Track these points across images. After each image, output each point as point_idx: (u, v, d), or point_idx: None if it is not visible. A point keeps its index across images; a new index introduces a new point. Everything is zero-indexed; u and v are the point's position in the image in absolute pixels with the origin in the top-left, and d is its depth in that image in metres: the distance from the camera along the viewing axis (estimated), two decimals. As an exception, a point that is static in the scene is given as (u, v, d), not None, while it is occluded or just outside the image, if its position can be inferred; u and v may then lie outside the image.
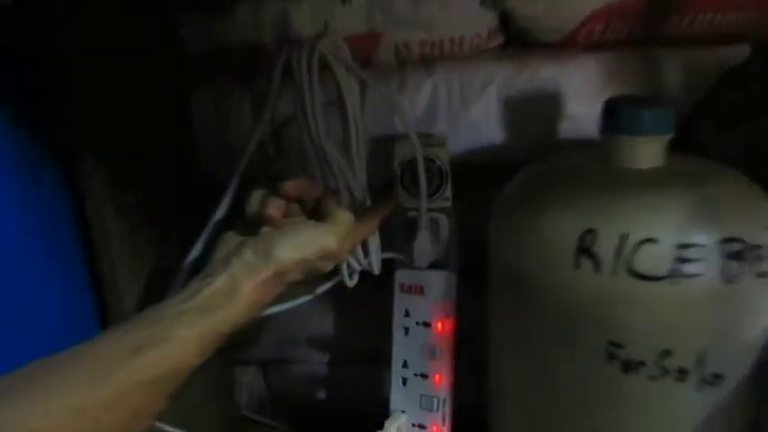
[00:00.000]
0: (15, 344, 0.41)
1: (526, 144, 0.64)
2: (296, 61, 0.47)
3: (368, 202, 0.52)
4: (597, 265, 0.42)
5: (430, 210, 0.55)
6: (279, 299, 0.49)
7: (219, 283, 0.41)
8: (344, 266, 0.50)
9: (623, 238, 0.41)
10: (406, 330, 0.56)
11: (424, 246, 0.53)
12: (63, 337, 0.45)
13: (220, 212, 0.49)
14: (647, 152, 0.46)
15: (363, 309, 0.72)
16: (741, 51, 0.62)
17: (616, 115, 0.46)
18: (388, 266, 0.57)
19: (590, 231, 0.42)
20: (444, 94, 0.64)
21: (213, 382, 0.63)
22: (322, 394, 0.77)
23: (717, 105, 0.58)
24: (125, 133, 0.48)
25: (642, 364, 0.42)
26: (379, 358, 0.72)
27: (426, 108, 0.64)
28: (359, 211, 0.50)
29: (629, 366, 0.42)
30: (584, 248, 0.42)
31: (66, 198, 0.45)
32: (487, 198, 0.65)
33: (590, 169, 0.48)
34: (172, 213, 0.54)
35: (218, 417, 0.65)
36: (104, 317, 0.48)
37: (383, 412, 0.62)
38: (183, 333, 0.37)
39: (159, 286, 0.45)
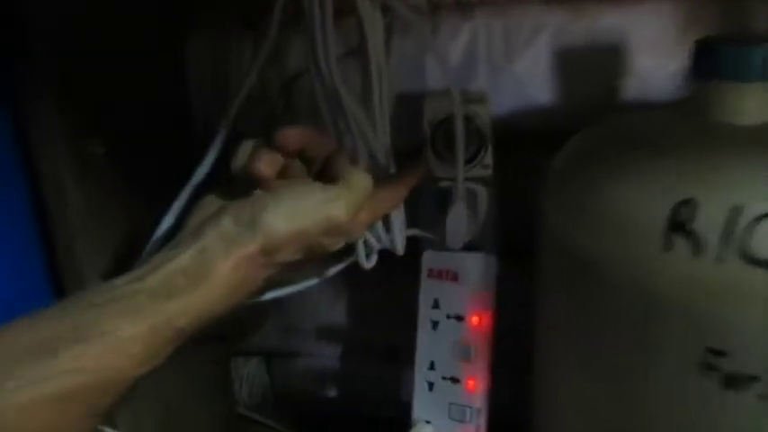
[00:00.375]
0: None
1: (582, 106, 0.54)
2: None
3: (392, 168, 0.41)
4: (697, 246, 0.31)
5: (467, 179, 0.45)
6: (276, 283, 0.39)
7: (186, 258, 0.30)
8: (361, 244, 0.40)
9: (735, 213, 0.31)
10: (435, 325, 0.46)
11: (459, 222, 0.43)
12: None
13: (202, 171, 0.39)
14: (758, 103, 0.35)
15: (382, 296, 0.64)
16: None
17: (715, 57, 0.35)
18: (414, 246, 0.47)
19: (686, 203, 0.32)
20: (484, 44, 0.55)
21: (205, 375, 0.54)
22: (332, 392, 0.68)
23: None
24: (91, 62, 0.38)
25: (753, 379, 0.32)
26: (398, 354, 0.64)
27: (462, 60, 0.54)
28: (381, 178, 0.39)
29: (734, 381, 0.32)
30: (679, 225, 0.32)
31: (9, 146, 0.35)
32: (533, 168, 0.55)
33: (677, 127, 0.37)
34: (156, 176, 0.44)
35: (210, 417, 0.56)
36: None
37: (401, 415, 0.53)
38: (123, 327, 0.27)
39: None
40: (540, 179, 0.54)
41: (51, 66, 0.34)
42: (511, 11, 0.54)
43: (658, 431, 0.35)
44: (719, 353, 0.32)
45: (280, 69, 0.58)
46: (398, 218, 0.41)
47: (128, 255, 0.39)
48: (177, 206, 0.37)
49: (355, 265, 0.46)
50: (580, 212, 0.37)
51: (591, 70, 0.53)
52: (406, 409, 0.52)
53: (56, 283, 0.37)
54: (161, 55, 0.48)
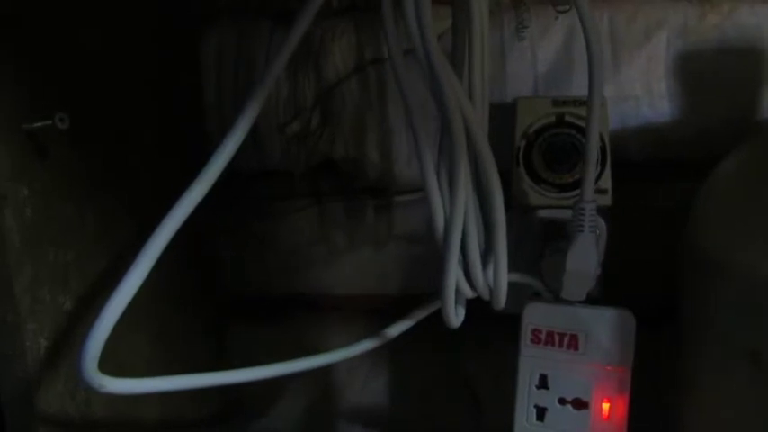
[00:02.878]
0: None
1: (710, 124, 0.41)
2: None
3: (495, 176, 0.28)
4: None
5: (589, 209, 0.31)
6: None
7: None
8: (451, 289, 0.27)
9: None
10: (541, 413, 0.31)
11: (584, 264, 0.30)
12: None
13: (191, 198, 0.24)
14: None
15: (433, 370, 0.49)
16: None
17: None
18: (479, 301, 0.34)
19: None
20: (583, 45, 0.42)
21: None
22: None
23: None
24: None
25: None
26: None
27: (553, 64, 0.42)
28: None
29: None
30: None
31: None
32: (648, 204, 0.43)
33: None
34: (150, 189, 0.31)
35: None
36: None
37: None
38: None
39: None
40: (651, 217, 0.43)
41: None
42: (619, 3, 0.42)
43: None
44: None
45: (315, 77, 0.46)
46: (503, 253, 0.28)
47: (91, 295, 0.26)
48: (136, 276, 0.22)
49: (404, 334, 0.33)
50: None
51: (723, 79, 0.41)
52: None
53: None
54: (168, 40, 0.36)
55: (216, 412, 0.46)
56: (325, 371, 0.51)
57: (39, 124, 0.22)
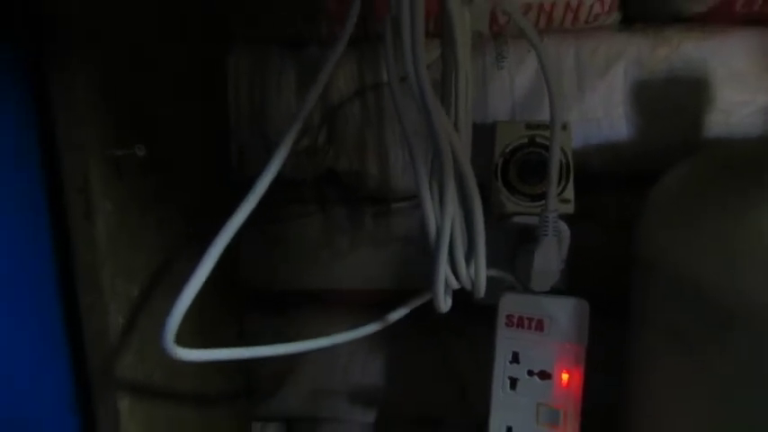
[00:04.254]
0: None
1: (660, 143, 0.48)
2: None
3: (475, 199, 0.35)
4: None
5: (553, 214, 0.39)
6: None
7: None
8: (441, 282, 0.34)
9: None
10: (513, 383, 0.38)
11: (548, 261, 0.37)
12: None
13: (248, 207, 0.32)
14: None
15: (422, 355, 0.56)
16: None
17: None
18: (461, 298, 0.41)
19: None
20: (556, 71, 0.49)
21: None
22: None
23: None
24: (127, 71, 0.33)
25: None
26: (440, 426, 0.56)
27: (528, 90, 0.49)
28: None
29: None
30: None
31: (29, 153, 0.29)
32: (606, 211, 0.49)
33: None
34: (199, 200, 0.38)
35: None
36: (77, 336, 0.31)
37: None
38: None
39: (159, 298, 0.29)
40: (608, 223, 0.49)
41: (86, 71, 0.28)
42: (584, 38, 0.49)
43: None
44: None
45: (321, 99, 0.52)
46: (482, 252, 0.35)
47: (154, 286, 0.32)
48: (205, 267, 0.29)
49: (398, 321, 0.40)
50: (700, 244, 0.32)
51: (671, 104, 0.48)
52: None
53: (74, 312, 0.30)
54: (199, 68, 0.42)
55: (238, 389, 0.52)
56: (329, 356, 0.57)
57: (123, 152, 0.29)
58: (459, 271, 0.35)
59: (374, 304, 0.50)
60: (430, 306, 0.39)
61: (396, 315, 0.39)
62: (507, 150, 0.44)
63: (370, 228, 0.54)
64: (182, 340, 0.29)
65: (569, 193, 0.42)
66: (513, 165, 0.43)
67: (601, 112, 0.49)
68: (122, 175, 0.29)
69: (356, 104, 0.51)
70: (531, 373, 0.38)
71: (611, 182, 0.51)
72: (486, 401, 0.41)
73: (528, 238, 0.40)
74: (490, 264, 0.36)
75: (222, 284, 0.46)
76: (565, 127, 0.43)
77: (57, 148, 0.27)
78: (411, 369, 0.57)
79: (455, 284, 0.35)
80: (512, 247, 0.42)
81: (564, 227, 0.40)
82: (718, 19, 0.48)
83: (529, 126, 0.44)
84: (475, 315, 0.46)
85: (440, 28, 0.37)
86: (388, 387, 0.57)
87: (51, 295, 0.30)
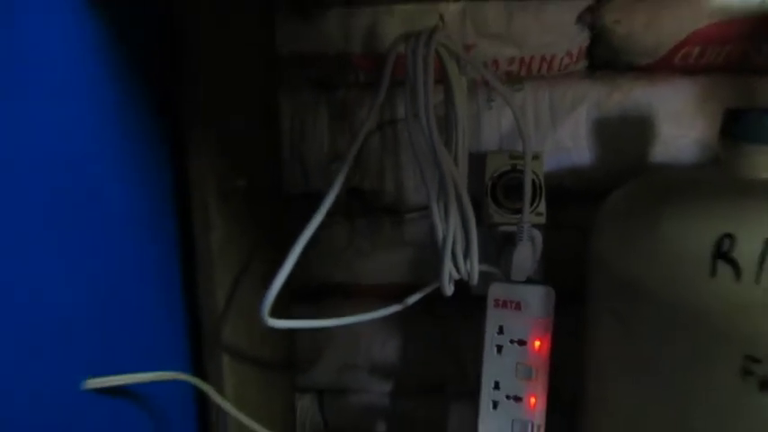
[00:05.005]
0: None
1: (615, 167, 0.62)
2: (411, 52, 0.45)
3: (469, 211, 0.49)
4: (737, 271, 0.39)
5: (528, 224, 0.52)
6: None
7: None
8: (446, 273, 0.47)
9: (766, 244, 0.38)
10: (499, 349, 0.52)
11: (524, 259, 0.50)
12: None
13: (316, 221, 0.46)
14: None
15: (430, 336, 0.69)
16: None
17: (744, 124, 0.44)
18: (461, 290, 0.54)
19: (728, 236, 0.39)
20: (532, 111, 0.63)
21: (273, 407, 0.59)
22: (382, 427, 0.72)
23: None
24: (231, 123, 0.46)
25: (787, 381, 0.38)
26: (445, 392, 0.69)
27: (512, 127, 0.62)
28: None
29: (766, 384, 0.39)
30: (722, 254, 0.39)
31: (169, 184, 0.43)
32: (572, 220, 0.63)
33: (712, 180, 0.46)
34: (269, 213, 0.52)
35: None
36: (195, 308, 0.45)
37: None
38: None
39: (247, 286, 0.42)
40: (577, 229, 0.62)
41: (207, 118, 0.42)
42: (555, 85, 0.63)
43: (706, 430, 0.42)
44: (757, 360, 0.39)
45: (349, 132, 0.66)
46: (475, 252, 0.48)
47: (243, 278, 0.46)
48: (292, 258, 0.43)
49: (411, 307, 0.54)
50: (636, 246, 0.45)
51: (623, 137, 0.62)
52: None
53: (193, 296, 0.44)
54: (268, 114, 0.56)
55: (286, 363, 0.65)
56: (354, 337, 0.70)
57: (231, 185, 0.42)
58: (459, 265, 0.48)
59: (390, 296, 0.64)
60: (435, 296, 0.53)
61: (412, 299, 0.53)
62: (495, 175, 0.57)
63: (387, 233, 0.68)
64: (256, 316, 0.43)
65: (542, 207, 0.56)
66: (499, 186, 0.56)
67: (570, 143, 0.62)
68: (228, 200, 0.43)
69: (377, 137, 0.64)
70: (512, 341, 0.52)
71: (578, 197, 0.64)
72: (479, 365, 0.55)
73: (510, 242, 0.53)
74: (482, 260, 0.50)
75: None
76: (537, 157, 0.56)
77: (188, 182, 0.41)
78: (420, 347, 0.70)
79: (456, 275, 0.49)
80: (498, 248, 0.55)
81: (537, 234, 0.53)
82: (661, 70, 0.62)
83: (512, 156, 0.57)
84: (470, 303, 0.59)
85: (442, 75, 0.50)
86: (402, 362, 0.71)
87: (177, 283, 0.44)
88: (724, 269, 0.39)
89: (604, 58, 0.63)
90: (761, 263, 0.38)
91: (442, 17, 0.56)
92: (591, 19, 0.60)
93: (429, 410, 0.71)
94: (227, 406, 0.44)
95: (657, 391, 0.44)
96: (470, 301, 0.57)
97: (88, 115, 0.36)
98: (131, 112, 0.40)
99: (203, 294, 0.43)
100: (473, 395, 0.57)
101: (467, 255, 0.48)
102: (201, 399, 0.47)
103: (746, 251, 0.39)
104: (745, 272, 0.39)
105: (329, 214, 0.67)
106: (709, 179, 0.46)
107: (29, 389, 0.32)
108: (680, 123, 0.61)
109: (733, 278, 0.39)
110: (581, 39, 0.61)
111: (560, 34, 0.61)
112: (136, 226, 0.40)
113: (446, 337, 0.70)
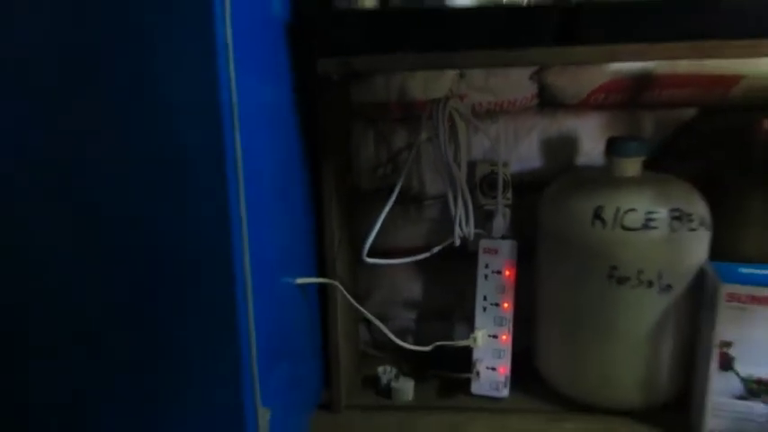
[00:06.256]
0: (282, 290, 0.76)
1: (555, 168, 1.00)
2: (436, 110, 0.84)
3: (468, 198, 0.87)
4: (603, 224, 0.78)
5: (501, 205, 0.91)
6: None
7: None
8: (457, 232, 0.86)
9: (618, 210, 0.77)
10: (486, 276, 0.91)
11: (499, 225, 0.89)
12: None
13: (387, 207, 0.84)
14: (632, 166, 0.82)
15: (441, 280, 1.07)
16: (691, 112, 0.99)
17: (616, 145, 0.83)
18: (461, 249, 0.93)
19: (600, 206, 0.78)
20: (503, 134, 1.01)
21: (349, 324, 0.97)
22: (409, 341, 1.10)
23: (675, 144, 0.95)
24: (339, 146, 0.85)
25: (628, 278, 0.77)
26: (452, 317, 1.08)
27: (492, 143, 1.01)
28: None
29: (621, 281, 0.78)
30: (597, 215, 0.78)
31: (313, 182, 0.82)
32: (529, 200, 1.01)
33: (600, 176, 0.84)
34: (346, 202, 0.90)
35: (351, 348, 1.00)
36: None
37: (454, 351, 0.96)
38: None
39: (344, 238, 0.81)
40: (533, 205, 1.01)
41: (330, 144, 0.81)
42: (518, 116, 1.01)
43: (590, 309, 0.81)
44: (614, 268, 0.78)
45: (387, 148, 1.04)
46: (471, 221, 0.87)
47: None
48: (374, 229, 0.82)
49: (427, 261, 0.93)
50: (558, 211, 0.84)
51: (560, 150, 1.00)
52: (457, 349, 0.95)
53: (320, 259, 0.83)
54: (345, 141, 0.94)
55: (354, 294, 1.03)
56: (391, 281, 1.08)
57: (344, 182, 0.81)
58: (462, 229, 0.87)
59: (415, 254, 1.01)
60: (446, 253, 0.91)
61: (434, 250, 0.91)
62: (481, 176, 0.95)
63: (413, 213, 1.06)
64: (348, 261, 0.82)
65: (509, 194, 0.94)
66: (484, 182, 0.94)
67: (527, 155, 1.00)
68: (339, 190, 0.81)
69: (407, 151, 1.03)
70: (493, 272, 0.90)
71: (531, 188, 1.02)
72: (472, 299, 0.94)
73: (491, 215, 0.92)
74: (475, 226, 0.89)
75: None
76: (506, 164, 0.94)
77: (321, 180, 0.79)
78: (436, 288, 1.08)
79: (461, 234, 0.87)
80: (484, 219, 0.93)
81: (507, 211, 0.92)
82: (582, 107, 1.00)
83: (491, 164, 0.96)
84: (467, 259, 0.97)
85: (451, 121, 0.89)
86: (424, 298, 1.08)
87: (313, 234, 0.83)
88: (597, 223, 0.78)
89: (548, 100, 1.01)
90: (614, 219, 0.77)
91: (451, 90, 0.93)
92: (538, 77, 0.98)
93: (441, 329, 1.08)
94: (347, 295, 0.83)
95: (566, 290, 0.83)
96: (467, 259, 0.95)
97: (286, 143, 0.74)
98: (301, 145, 0.78)
99: (328, 244, 0.82)
100: (469, 319, 0.96)
101: (467, 223, 0.87)
102: (323, 294, 0.87)
103: (609, 213, 0.78)
104: (608, 224, 0.77)
105: (374, 203, 1.06)
106: (598, 176, 0.85)
107: (286, 282, 0.72)
108: (593, 141, 0.99)
109: (602, 227, 0.78)
110: (533, 88, 0.99)
111: (519, 86, 0.98)
112: (303, 201, 0.80)
113: (453, 282, 1.08)
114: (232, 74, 0.54)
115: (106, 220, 0.56)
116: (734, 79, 0.92)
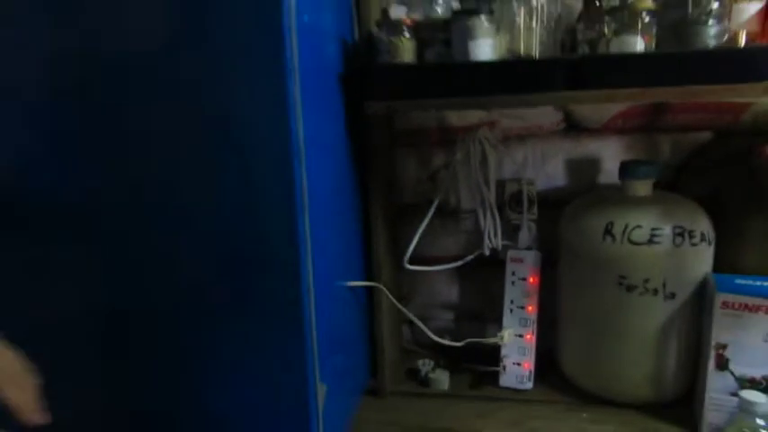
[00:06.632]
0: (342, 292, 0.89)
1: (579, 187, 1.12)
2: (471, 141, 0.97)
3: (496, 214, 1.00)
4: (613, 238, 0.89)
5: (527, 220, 1.03)
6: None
7: None
8: (486, 243, 0.99)
9: (626, 226, 0.89)
10: (513, 282, 1.03)
11: (524, 237, 1.01)
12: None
13: (426, 219, 0.98)
14: (642, 187, 0.93)
15: (475, 284, 1.20)
16: (705, 136, 1.09)
17: (628, 169, 0.94)
18: (493, 257, 1.05)
19: (611, 222, 0.90)
20: (531, 156, 1.13)
21: (393, 322, 1.11)
22: (446, 339, 1.23)
23: (689, 165, 1.06)
24: (387, 170, 0.99)
25: (635, 287, 0.89)
26: (483, 318, 1.20)
27: (521, 164, 1.13)
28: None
29: (629, 289, 0.89)
30: (608, 231, 0.90)
31: (361, 197, 0.96)
32: (553, 216, 1.13)
33: (613, 195, 0.96)
34: (398, 213, 1.04)
35: (395, 343, 1.13)
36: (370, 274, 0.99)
37: (485, 347, 1.09)
38: None
39: (398, 250, 0.95)
40: (553, 221, 1.12)
41: (378, 166, 0.95)
42: (545, 141, 1.13)
43: (603, 313, 0.92)
44: (624, 277, 0.89)
45: (427, 168, 1.17)
46: (499, 234, 0.99)
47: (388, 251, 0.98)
48: (418, 233, 0.96)
49: (464, 268, 1.05)
50: (575, 227, 0.96)
51: (583, 170, 1.12)
52: (487, 345, 1.08)
53: (368, 265, 0.97)
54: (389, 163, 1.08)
55: (398, 297, 1.17)
56: (431, 285, 1.21)
57: (390, 198, 0.94)
58: (491, 240, 1.00)
59: (451, 262, 1.14)
60: (478, 262, 1.04)
61: (470, 257, 1.04)
62: (510, 194, 1.08)
63: (450, 226, 1.19)
64: (393, 267, 0.95)
65: (535, 210, 1.06)
66: (512, 199, 1.07)
67: (552, 174, 1.12)
68: (386, 209, 0.95)
69: (443, 170, 1.15)
70: (519, 278, 1.03)
71: (555, 205, 1.13)
72: (501, 302, 1.06)
73: (518, 229, 1.04)
74: (504, 238, 1.01)
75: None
76: (532, 183, 1.07)
77: (369, 197, 0.93)
78: (469, 291, 1.21)
79: (490, 245, 1.00)
80: (512, 232, 1.06)
81: (532, 225, 1.04)
82: (604, 132, 1.11)
83: (518, 182, 1.08)
84: (496, 266, 1.09)
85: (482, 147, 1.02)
86: (459, 300, 1.21)
87: (362, 242, 0.97)
88: (608, 237, 0.90)
89: (572, 125, 1.13)
90: (623, 234, 0.89)
91: (484, 118, 1.06)
92: (563, 106, 1.10)
93: (474, 328, 1.21)
94: (390, 297, 0.97)
95: (582, 296, 0.95)
96: (497, 267, 1.07)
97: (341, 169, 0.89)
98: (352, 169, 0.93)
99: (374, 253, 0.95)
100: (498, 320, 1.08)
101: (495, 235, 0.99)
102: (370, 296, 1.01)
103: (618, 229, 0.89)
104: (617, 239, 0.89)
105: (415, 215, 1.19)
106: (612, 195, 0.97)
107: (340, 284, 0.87)
108: (614, 162, 1.09)
109: (611, 241, 0.89)
110: (558, 115, 1.11)
111: (546, 113, 1.11)
112: (355, 215, 0.94)
113: (484, 287, 1.20)
114: (299, 116, 0.68)
115: (201, 234, 0.72)
116: (743, 106, 1.02)
